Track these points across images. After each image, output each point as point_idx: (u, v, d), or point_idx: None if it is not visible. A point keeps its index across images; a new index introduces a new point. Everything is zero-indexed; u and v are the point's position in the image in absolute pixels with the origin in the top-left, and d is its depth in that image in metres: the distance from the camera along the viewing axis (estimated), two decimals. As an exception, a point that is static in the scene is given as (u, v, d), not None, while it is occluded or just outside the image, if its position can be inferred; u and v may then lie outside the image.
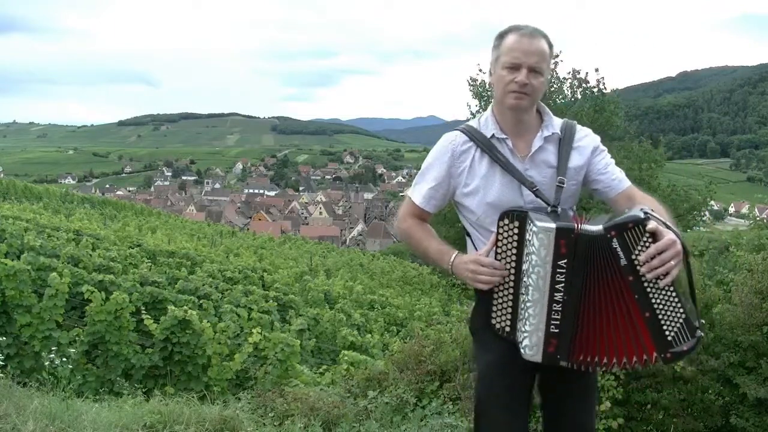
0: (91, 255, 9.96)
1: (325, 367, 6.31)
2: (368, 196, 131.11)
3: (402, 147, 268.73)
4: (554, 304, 1.76)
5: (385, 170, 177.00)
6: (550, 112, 2.03)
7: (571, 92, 21.01)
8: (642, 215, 1.70)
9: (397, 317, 13.46)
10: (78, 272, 7.77)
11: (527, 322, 1.80)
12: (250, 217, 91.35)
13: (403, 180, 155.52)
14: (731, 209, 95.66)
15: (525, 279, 1.80)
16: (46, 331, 5.62)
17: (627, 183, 1.99)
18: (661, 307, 1.71)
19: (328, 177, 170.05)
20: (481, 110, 22.23)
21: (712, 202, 20.84)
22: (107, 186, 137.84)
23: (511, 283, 1.85)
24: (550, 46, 1.94)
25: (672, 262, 1.65)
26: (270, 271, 15.40)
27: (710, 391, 3.12)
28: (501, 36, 1.96)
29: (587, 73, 20.83)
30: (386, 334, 11.10)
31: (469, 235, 2.09)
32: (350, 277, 20.94)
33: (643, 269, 1.68)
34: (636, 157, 17.98)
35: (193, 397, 3.64)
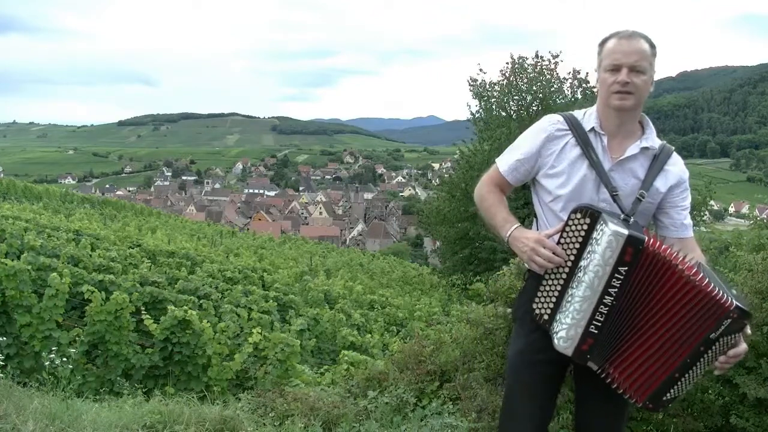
0: (91, 255, 9.96)
1: (325, 367, 6.31)
2: (368, 196, 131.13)
3: (402, 147, 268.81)
4: (602, 306, 1.79)
5: (385, 170, 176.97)
6: (653, 127, 2.05)
7: (571, 92, 21.00)
8: (748, 310, 1.76)
9: (397, 317, 13.45)
10: (78, 272, 7.76)
11: (570, 316, 1.83)
12: (250, 217, 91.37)
13: (403, 180, 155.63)
14: (731, 209, 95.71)
15: (580, 275, 1.82)
16: (46, 331, 5.62)
17: (691, 233, 2.06)
18: (689, 377, 1.80)
19: (328, 177, 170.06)
20: (481, 110, 22.23)
21: (712, 202, 20.82)
22: (107, 186, 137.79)
23: (564, 275, 1.87)
24: (652, 46, 1.96)
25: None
26: (270, 271, 15.39)
27: (710, 391, 3.12)
28: (602, 42, 2.02)
29: (587, 73, 20.81)
30: (386, 334, 11.10)
31: (536, 216, 2.13)
32: (350, 277, 20.93)
33: (720, 359, 1.78)
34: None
35: (193, 397, 3.64)
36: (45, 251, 9.29)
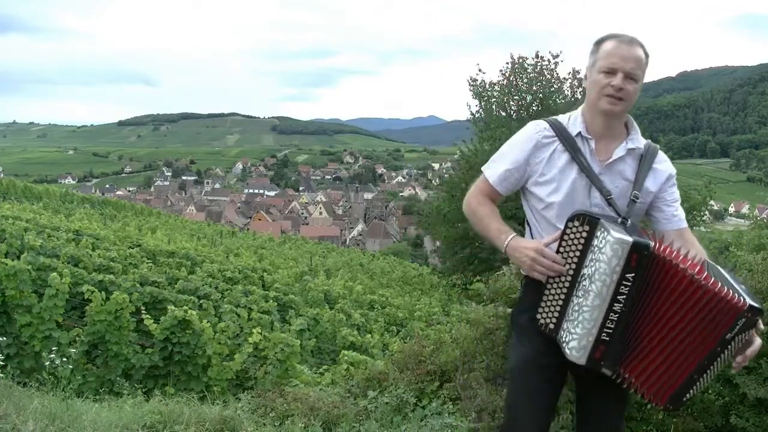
0: (91, 255, 9.96)
1: (325, 367, 6.31)
2: (368, 196, 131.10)
3: (402, 147, 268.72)
4: (611, 314, 1.80)
5: (385, 170, 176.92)
6: (637, 128, 2.05)
7: (571, 92, 20.98)
8: (759, 306, 1.74)
9: (397, 317, 13.45)
10: (78, 272, 7.76)
11: (580, 325, 1.83)
12: (250, 217, 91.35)
13: (403, 180, 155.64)
14: (731, 209, 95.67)
15: (586, 283, 1.82)
16: (46, 331, 5.62)
17: (685, 224, 2.07)
18: (706, 376, 1.80)
19: (328, 177, 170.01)
20: (481, 110, 22.22)
21: (712, 202, 20.80)
22: (107, 186, 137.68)
23: (567, 284, 1.88)
24: (647, 55, 1.97)
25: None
26: (270, 271, 15.40)
27: (710, 391, 3.12)
28: (599, 42, 2.00)
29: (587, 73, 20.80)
30: (386, 334, 11.10)
31: (528, 224, 2.12)
32: (350, 277, 20.93)
33: (738, 359, 1.78)
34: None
35: (193, 397, 3.64)
36: (45, 251, 9.29)
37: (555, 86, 21.04)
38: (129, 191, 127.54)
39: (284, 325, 8.57)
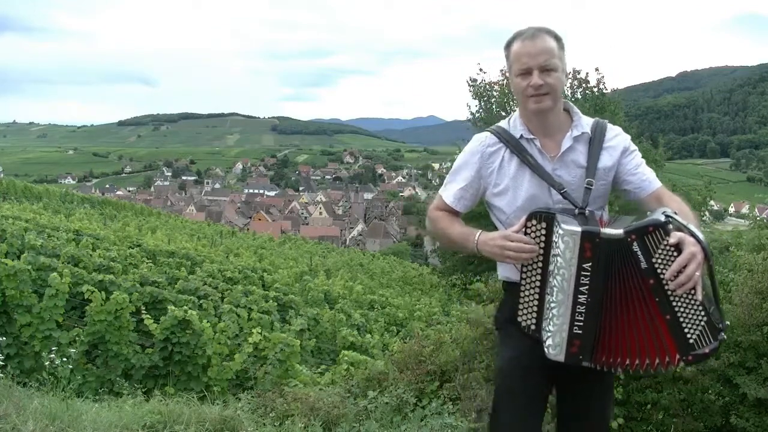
0: (91, 255, 9.96)
1: (324, 367, 6.31)
2: (368, 196, 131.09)
3: (402, 147, 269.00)
4: (578, 306, 1.78)
5: (385, 170, 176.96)
6: (579, 112, 2.03)
7: (571, 92, 20.97)
8: (663, 218, 1.71)
9: (397, 317, 13.46)
10: (78, 272, 7.76)
11: (551, 322, 1.83)
12: (250, 217, 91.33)
13: (403, 180, 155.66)
14: (731, 209, 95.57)
15: (551, 280, 1.82)
16: (46, 331, 5.62)
17: (657, 184, 1.99)
18: (682, 309, 1.72)
19: (328, 177, 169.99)
20: (481, 110, 22.22)
21: (712, 202, 20.82)
22: (107, 186, 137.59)
23: (538, 282, 1.87)
24: (558, 39, 1.94)
25: (696, 274, 1.65)
26: (270, 271, 15.39)
27: (710, 391, 3.12)
28: (507, 46, 1.98)
29: (587, 73, 20.78)
30: (386, 334, 11.10)
31: None
32: (350, 277, 20.93)
33: (670, 285, 1.69)
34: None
35: (193, 397, 3.64)
36: (45, 251, 9.29)
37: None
38: (129, 191, 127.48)
39: (284, 325, 8.57)
